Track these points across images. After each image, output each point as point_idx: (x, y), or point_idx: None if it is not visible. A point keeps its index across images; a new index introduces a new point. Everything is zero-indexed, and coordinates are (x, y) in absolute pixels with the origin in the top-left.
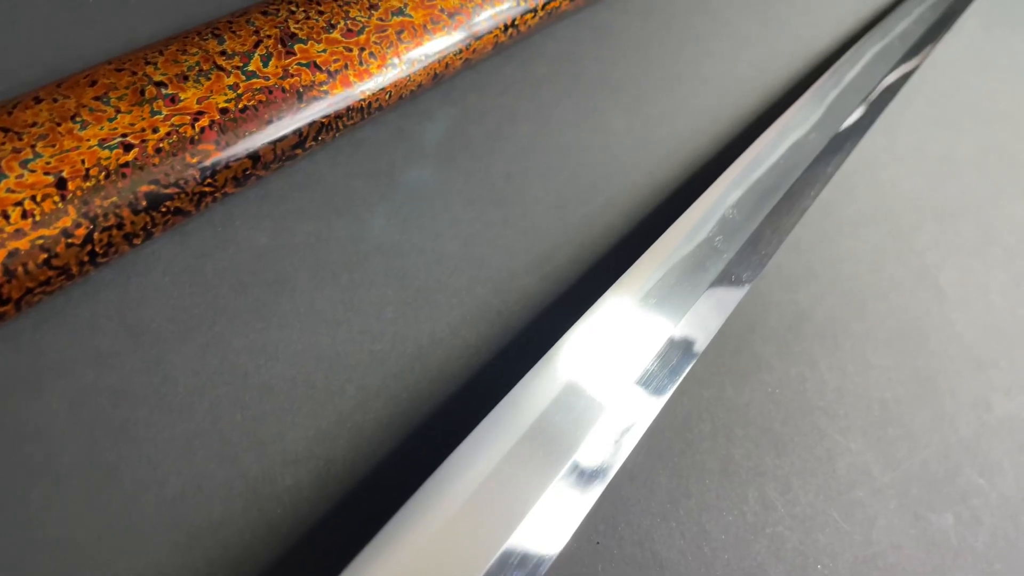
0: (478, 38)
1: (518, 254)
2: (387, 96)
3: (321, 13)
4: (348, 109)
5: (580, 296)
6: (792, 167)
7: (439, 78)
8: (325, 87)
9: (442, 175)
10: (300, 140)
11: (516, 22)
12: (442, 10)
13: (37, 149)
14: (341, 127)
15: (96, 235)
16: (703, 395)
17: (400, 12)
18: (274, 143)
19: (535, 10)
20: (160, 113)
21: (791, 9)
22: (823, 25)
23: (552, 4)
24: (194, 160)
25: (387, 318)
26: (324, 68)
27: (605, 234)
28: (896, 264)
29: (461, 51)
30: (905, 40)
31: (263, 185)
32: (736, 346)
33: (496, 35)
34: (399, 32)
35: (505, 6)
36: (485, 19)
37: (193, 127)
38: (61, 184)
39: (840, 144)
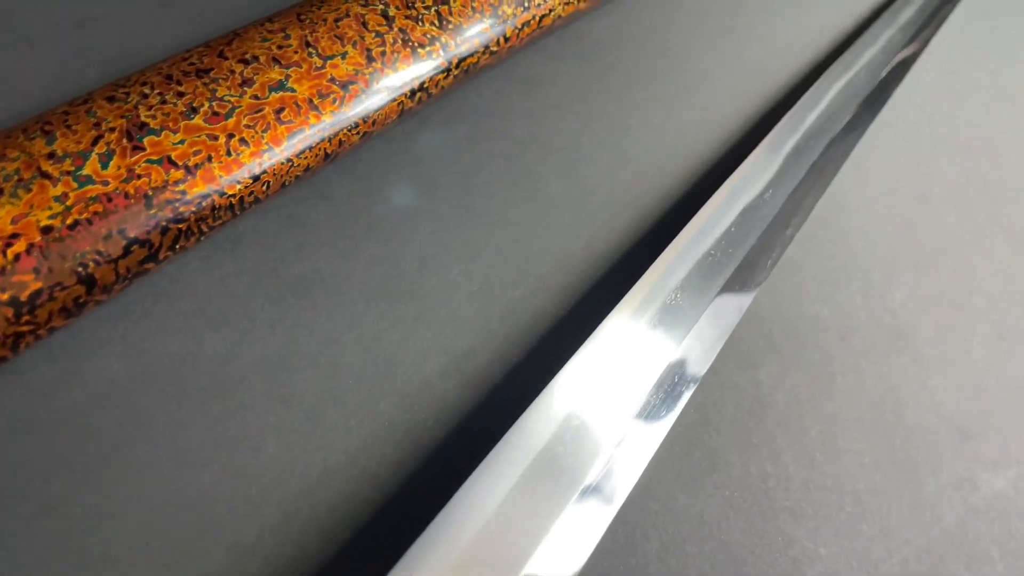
0: (379, 108)
1: (433, 355)
2: (264, 188)
3: (181, 95)
4: (213, 209)
5: (505, 403)
6: (747, 232)
7: (333, 157)
8: (182, 186)
9: (342, 266)
10: (151, 253)
11: (426, 85)
12: (333, 80)
13: None
14: (206, 229)
15: None
16: (650, 507)
17: (280, 86)
18: (115, 261)
19: (448, 69)
20: None
21: (746, 42)
22: (782, 58)
23: (469, 60)
24: (5, 296)
25: (268, 452)
26: (181, 163)
27: (536, 322)
28: (868, 326)
29: (358, 125)
30: (872, 70)
31: (115, 299)
32: (688, 443)
33: (401, 102)
34: (279, 111)
35: (411, 70)
36: (387, 86)
37: (4, 255)
38: None
39: (802, 197)
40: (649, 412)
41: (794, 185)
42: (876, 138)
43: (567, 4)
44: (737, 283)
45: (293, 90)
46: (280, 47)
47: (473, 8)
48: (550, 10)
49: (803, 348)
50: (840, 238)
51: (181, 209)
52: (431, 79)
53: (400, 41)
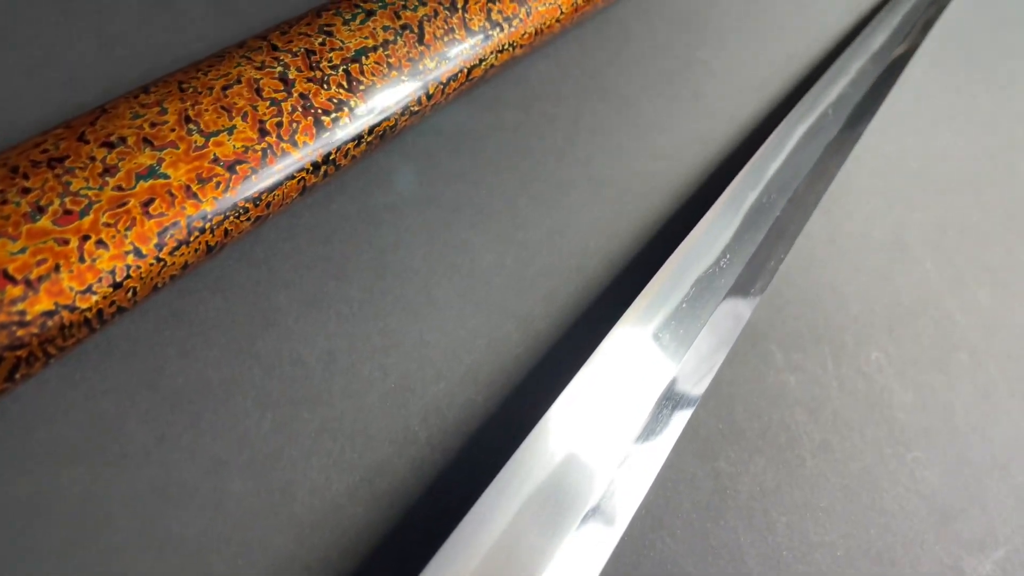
0: (274, 189)
1: (339, 473)
2: (129, 295)
3: (26, 191)
4: (63, 328)
5: (427, 523)
6: (703, 305)
7: (218, 249)
8: (20, 305)
9: (234, 370)
10: None
11: (333, 157)
12: (217, 160)
13: None
14: (54, 352)
15: None
16: None
17: (151, 173)
18: None
19: (360, 137)
20: None
21: (704, 79)
22: (744, 95)
23: (384, 124)
24: None
25: None
26: (20, 277)
27: (463, 421)
28: (840, 396)
29: (248, 210)
30: (842, 105)
31: None
32: (637, 552)
33: (302, 179)
34: (147, 203)
35: (314, 142)
36: (284, 164)
37: None
38: None
39: (764, 259)
40: (611, 501)
41: (755, 246)
42: (846, 181)
43: (501, 52)
44: (693, 369)
45: (166, 176)
46: (154, 125)
47: (389, 65)
48: (480, 60)
49: (767, 428)
50: (807, 297)
51: (19, 333)
52: (339, 150)
53: (301, 109)
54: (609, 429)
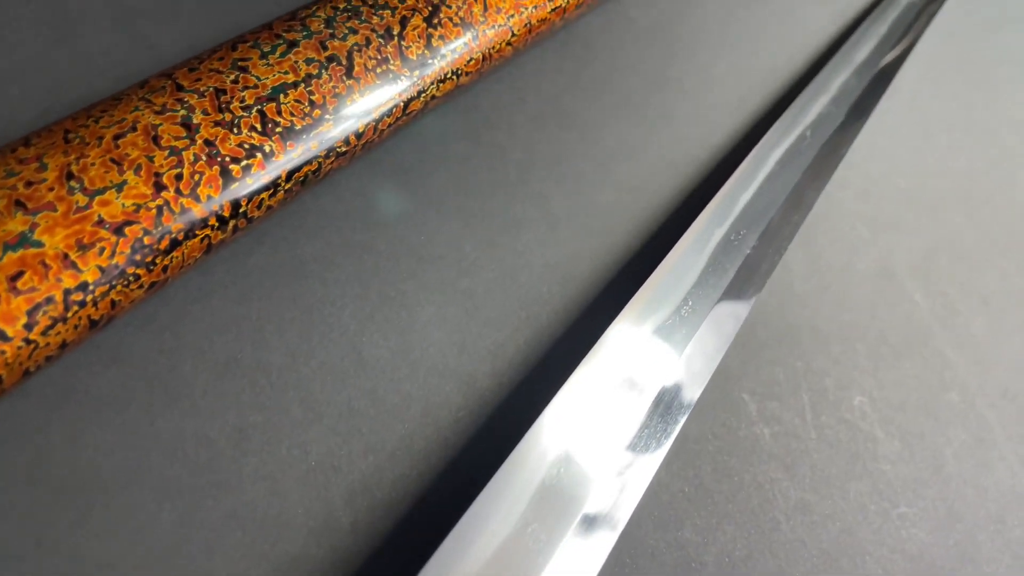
0: (169, 252)
1: (247, 569)
2: None
3: None
4: None
5: None
6: (663, 361)
7: (103, 324)
8: None
9: (129, 454)
10: None
11: (243, 209)
12: (101, 222)
13: None
14: None
15: None
16: None
17: (22, 241)
18: None
19: (275, 185)
20: None
21: (674, 101)
22: (717, 117)
23: (306, 169)
24: None
25: None
26: None
27: (394, 500)
28: (819, 448)
29: (140, 277)
30: (821, 128)
31: None
32: None
33: (206, 236)
34: (15, 277)
35: (220, 195)
36: (184, 221)
37: None
38: None
39: (735, 296)
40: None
41: (721, 291)
42: (828, 207)
43: (444, 81)
44: (659, 423)
45: (40, 244)
46: (30, 184)
47: (312, 102)
48: (420, 92)
49: (738, 489)
50: (784, 338)
51: None
52: (251, 201)
53: (205, 157)
54: (560, 499)
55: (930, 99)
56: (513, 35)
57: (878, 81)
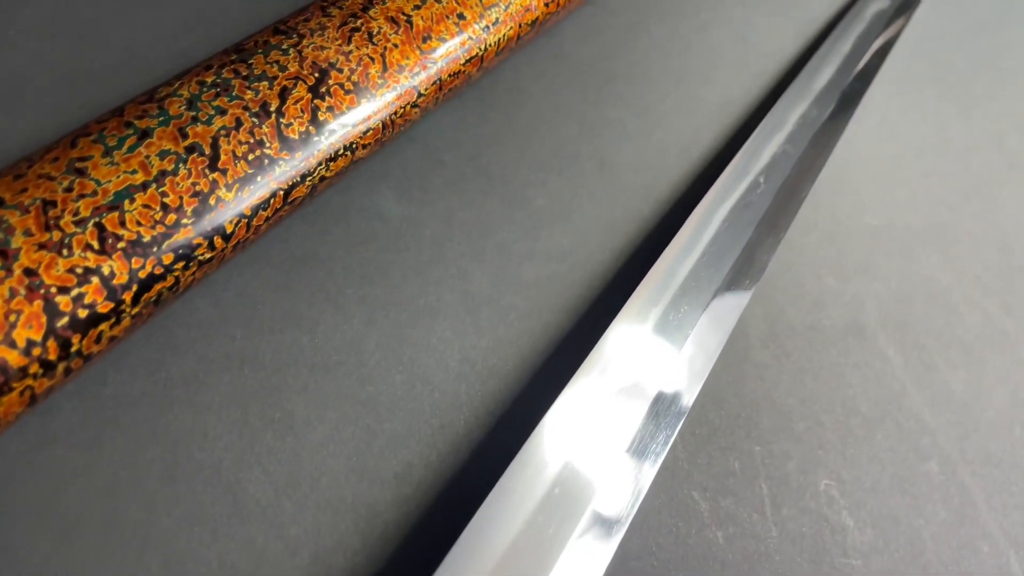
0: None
1: None
2: None
3: None
4: None
5: None
6: (603, 447)
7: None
8: None
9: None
10: None
11: (77, 348)
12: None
13: None
14: None
15: None
16: None
17: None
18: None
19: (119, 312)
20: None
21: (616, 146)
22: (663, 163)
23: (159, 287)
24: None
25: None
26: None
27: None
28: (781, 548)
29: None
30: (777, 170)
31: None
32: None
33: (28, 388)
34: None
35: (40, 339)
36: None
37: None
38: None
39: (685, 367)
40: None
41: (664, 379)
42: (788, 257)
43: (335, 159)
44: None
45: None
46: None
47: (165, 206)
48: (304, 176)
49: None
50: (739, 419)
51: None
52: (88, 335)
53: (25, 291)
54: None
55: (900, 120)
56: (420, 95)
57: (842, 106)
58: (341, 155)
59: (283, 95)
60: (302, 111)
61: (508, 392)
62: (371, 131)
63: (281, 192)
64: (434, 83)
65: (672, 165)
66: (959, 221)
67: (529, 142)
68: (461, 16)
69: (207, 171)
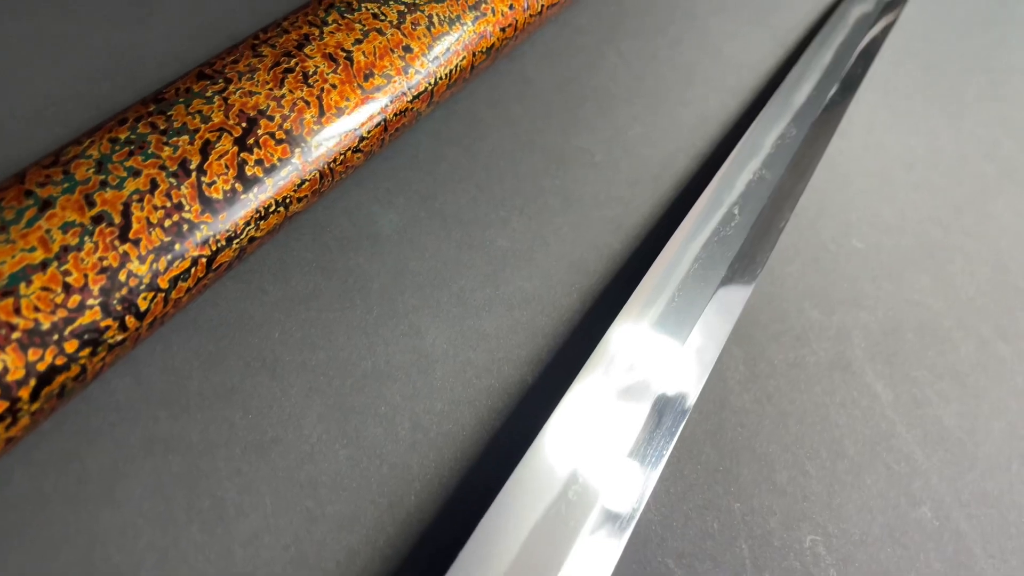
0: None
1: None
2: None
3: None
4: None
5: None
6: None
7: None
8: None
9: None
10: None
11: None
12: None
13: None
14: None
15: None
16: None
17: None
18: None
19: (16, 410)
20: None
21: (583, 177)
22: (634, 193)
23: (62, 379)
24: None
25: None
26: None
27: None
28: None
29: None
30: (757, 192)
31: None
32: None
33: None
34: None
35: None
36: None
37: None
38: None
39: (654, 427)
40: None
41: (643, 425)
42: (770, 287)
43: (265, 217)
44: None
45: None
46: None
47: (67, 286)
48: (230, 238)
49: None
50: (717, 472)
51: None
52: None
53: None
54: None
55: (887, 132)
56: (363, 139)
57: (825, 120)
58: (273, 212)
59: (205, 150)
60: (227, 167)
61: (464, 460)
62: (307, 183)
63: (204, 259)
64: (378, 124)
65: (643, 195)
66: (951, 238)
67: (489, 178)
68: (407, 49)
69: (117, 243)
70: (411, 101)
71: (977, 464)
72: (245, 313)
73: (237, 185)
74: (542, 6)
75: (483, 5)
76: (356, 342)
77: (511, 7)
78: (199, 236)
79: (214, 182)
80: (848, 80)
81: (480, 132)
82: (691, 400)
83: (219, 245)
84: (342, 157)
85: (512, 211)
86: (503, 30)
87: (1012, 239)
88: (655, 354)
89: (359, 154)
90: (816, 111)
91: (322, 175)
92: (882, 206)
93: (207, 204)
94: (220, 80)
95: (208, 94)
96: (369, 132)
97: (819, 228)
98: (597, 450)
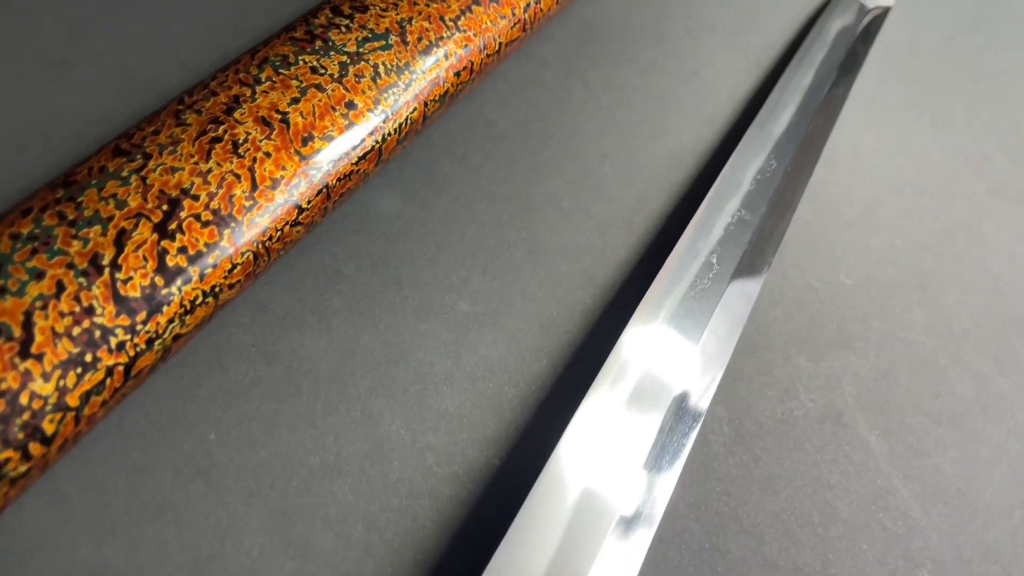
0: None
1: None
2: None
3: None
4: None
5: None
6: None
7: None
8: None
9: None
10: None
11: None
12: None
13: None
14: None
15: None
16: None
17: None
18: None
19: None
20: None
21: (548, 227)
22: (604, 243)
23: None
24: None
25: None
26: None
27: None
28: None
29: None
30: (737, 236)
31: None
32: None
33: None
34: None
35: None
36: None
37: None
38: None
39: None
40: None
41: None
42: (754, 337)
43: (190, 312)
44: None
45: None
46: None
47: None
48: (151, 341)
49: None
50: (701, 554)
51: None
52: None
53: None
54: None
55: (873, 155)
56: (302, 211)
57: (806, 149)
58: (201, 304)
59: (120, 241)
60: (145, 259)
61: (426, 560)
62: (239, 267)
63: (120, 368)
64: (319, 193)
65: (616, 242)
66: (943, 267)
67: (448, 235)
68: (351, 105)
69: (17, 360)
70: (356, 163)
71: (978, 515)
72: (177, 412)
73: (157, 279)
74: (500, 44)
75: (434, 49)
76: (302, 435)
77: (466, 48)
78: (114, 342)
79: (130, 278)
80: (830, 101)
81: (437, 184)
82: (675, 476)
83: (138, 350)
84: (279, 234)
85: (474, 270)
86: (458, 74)
87: (1006, 262)
88: (635, 426)
89: (299, 227)
90: (797, 139)
91: (256, 256)
92: (870, 237)
93: (122, 304)
94: (138, 156)
95: (124, 173)
96: (309, 203)
97: (804, 266)
98: (571, 543)
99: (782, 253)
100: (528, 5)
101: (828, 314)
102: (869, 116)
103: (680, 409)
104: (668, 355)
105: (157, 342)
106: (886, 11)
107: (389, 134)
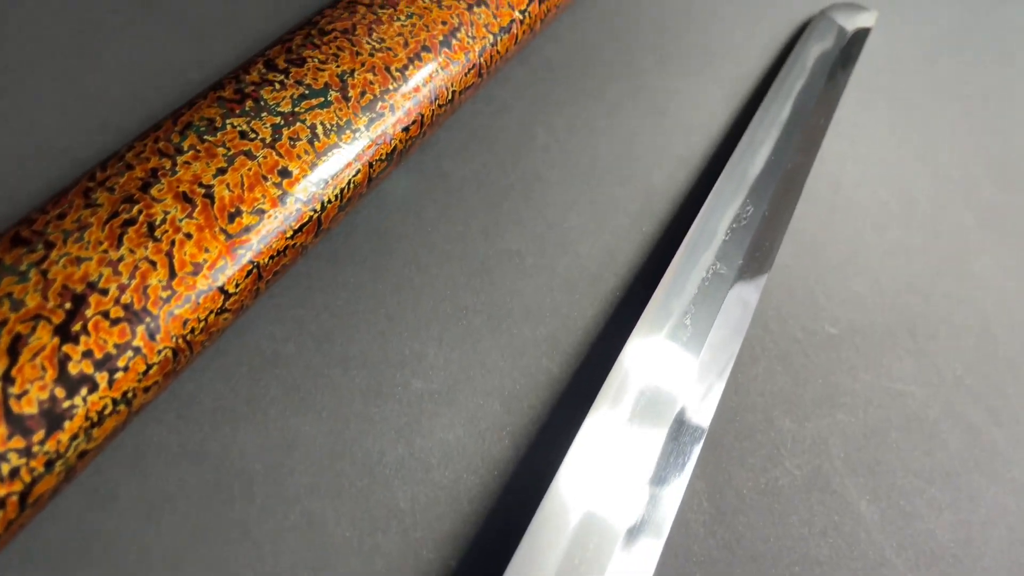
0: None
1: None
2: None
3: None
4: None
5: None
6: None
7: None
8: None
9: None
10: None
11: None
12: None
13: None
14: None
15: None
16: None
17: None
18: None
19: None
20: None
21: (512, 286)
22: (571, 302)
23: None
24: None
25: None
26: None
27: None
28: None
29: None
30: (713, 292)
31: None
32: None
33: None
34: None
35: None
36: None
37: None
38: None
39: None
40: None
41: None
42: (735, 399)
43: (97, 425)
44: None
45: None
46: None
47: None
48: (51, 462)
49: None
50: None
51: None
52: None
53: None
54: None
55: (856, 189)
56: (229, 295)
57: (785, 190)
58: (111, 414)
59: (14, 349)
60: (43, 368)
61: None
62: (156, 367)
63: (15, 497)
64: (249, 274)
65: (583, 303)
66: (932, 309)
67: (400, 303)
68: (285, 173)
69: None
70: (292, 237)
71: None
72: (91, 530)
73: (57, 391)
74: (453, 93)
75: (379, 104)
76: (233, 548)
77: (414, 100)
78: (5, 469)
79: (25, 392)
80: (810, 134)
81: (387, 246)
82: (656, 554)
83: (35, 474)
84: (202, 324)
85: (428, 342)
86: (406, 129)
87: (997, 300)
88: (606, 512)
89: (226, 314)
90: (776, 178)
91: (176, 352)
92: (855, 279)
93: (16, 424)
94: (39, 245)
95: (23, 268)
96: (237, 286)
97: (786, 316)
98: None
99: (762, 303)
100: (484, 48)
101: (812, 368)
102: (852, 146)
103: (654, 497)
104: (642, 432)
105: (59, 463)
106: (867, 32)
107: (329, 201)
